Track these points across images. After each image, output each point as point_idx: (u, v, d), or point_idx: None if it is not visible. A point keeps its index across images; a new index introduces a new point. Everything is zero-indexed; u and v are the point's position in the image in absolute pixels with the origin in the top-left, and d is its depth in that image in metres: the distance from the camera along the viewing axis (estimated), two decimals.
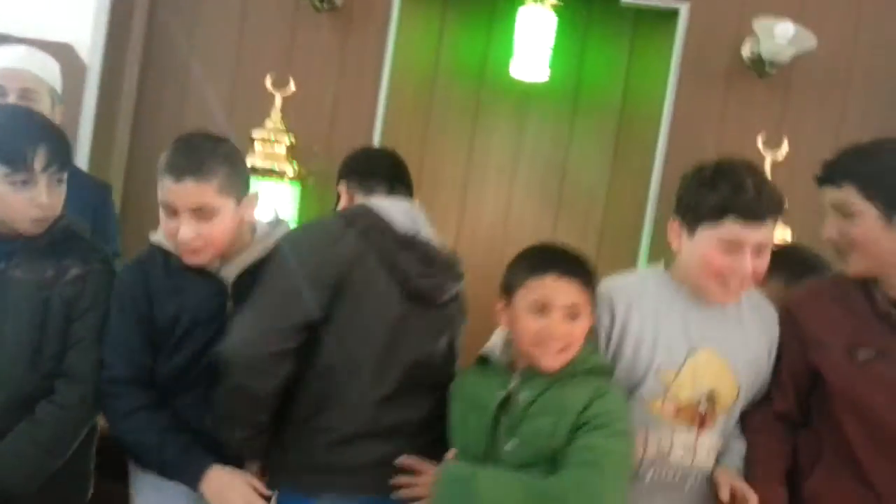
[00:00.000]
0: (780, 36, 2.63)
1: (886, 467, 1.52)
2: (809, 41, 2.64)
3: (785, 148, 2.63)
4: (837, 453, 1.56)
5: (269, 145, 2.72)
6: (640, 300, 1.60)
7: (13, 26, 2.92)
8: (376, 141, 2.93)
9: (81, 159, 2.88)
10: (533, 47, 2.95)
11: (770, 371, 1.63)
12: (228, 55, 3.02)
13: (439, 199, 3.16)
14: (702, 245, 1.53)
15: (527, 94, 3.16)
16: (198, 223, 1.56)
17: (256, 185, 2.60)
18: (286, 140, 2.73)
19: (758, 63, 2.76)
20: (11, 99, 2.16)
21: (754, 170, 1.59)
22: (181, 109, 3.01)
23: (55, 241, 1.64)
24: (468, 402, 1.56)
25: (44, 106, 2.21)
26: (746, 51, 2.80)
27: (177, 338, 1.63)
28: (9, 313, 1.59)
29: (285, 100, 2.79)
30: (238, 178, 1.63)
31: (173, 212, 1.57)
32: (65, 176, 1.64)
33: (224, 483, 1.56)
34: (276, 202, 2.65)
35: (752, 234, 1.50)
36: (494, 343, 1.63)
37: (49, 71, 2.28)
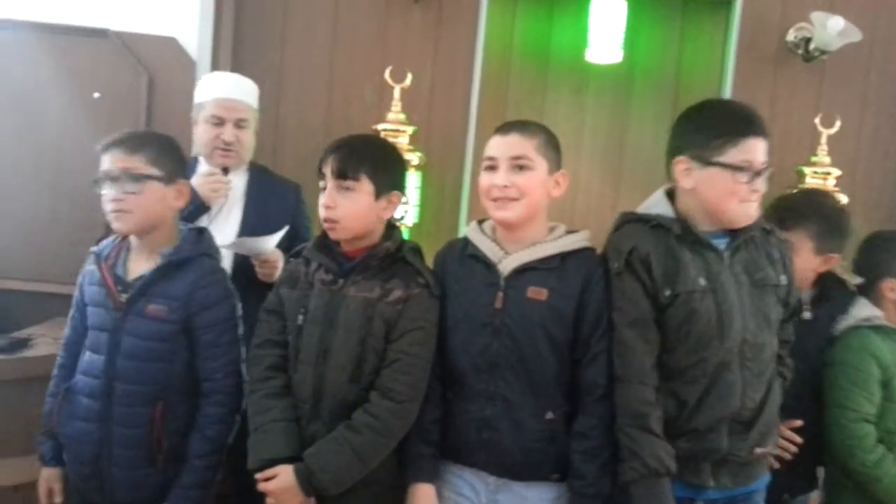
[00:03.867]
0: (831, 28, 3.07)
1: None
2: (855, 34, 3.09)
3: (838, 124, 3.10)
4: None
5: (394, 136, 2.88)
6: None
7: (117, 21, 2.88)
8: (472, 125, 3.16)
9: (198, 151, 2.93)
10: (607, 32, 3.23)
11: None
12: (323, 48, 3.12)
13: None
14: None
15: (588, 72, 3.45)
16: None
17: None
18: (409, 130, 2.90)
19: (804, 49, 3.21)
20: (228, 129, 2.30)
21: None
22: (277, 102, 3.09)
23: (386, 263, 1.78)
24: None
25: (251, 130, 2.36)
26: (791, 36, 3.24)
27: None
28: (339, 327, 1.74)
29: (385, 88, 2.94)
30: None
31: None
32: (350, 184, 1.74)
33: None
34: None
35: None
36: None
37: (255, 97, 2.43)
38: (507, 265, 1.75)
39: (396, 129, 2.88)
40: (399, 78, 2.91)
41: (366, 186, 1.76)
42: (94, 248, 1.93)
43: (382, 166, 1.78)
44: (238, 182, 2.39)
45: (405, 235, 2.85)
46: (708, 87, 3.40)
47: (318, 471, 1.66)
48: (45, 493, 1.92)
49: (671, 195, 1.81)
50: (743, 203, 1.72)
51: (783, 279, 1.79)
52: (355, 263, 1.78)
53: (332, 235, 1.79)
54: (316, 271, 1.80)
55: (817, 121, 3.11)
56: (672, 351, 1.71)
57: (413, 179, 2.91)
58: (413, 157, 2.89)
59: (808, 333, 1.99)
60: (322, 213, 1.76)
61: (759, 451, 1.75)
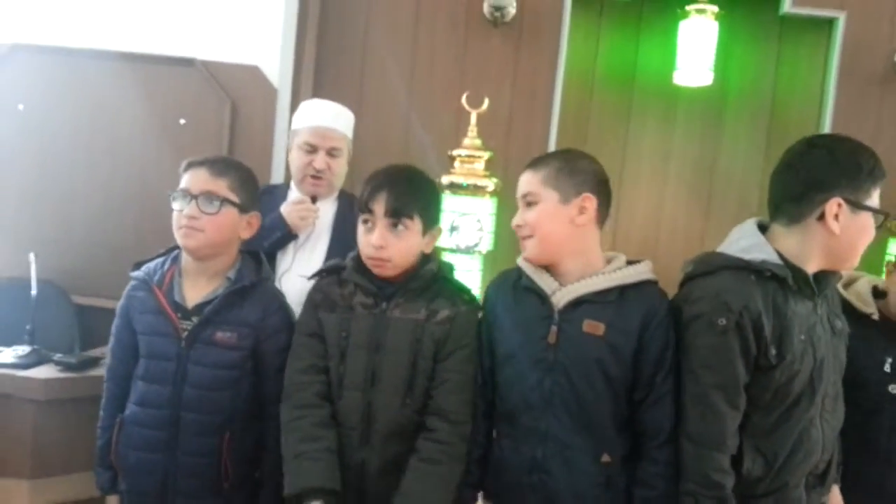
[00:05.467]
0: None
1: None
2: None
3: None
4: None
5: (469, 161, 2.83)
6: None
7: (203, 49, 2.97)
8: (552, 148, 3.08)
9: (277, 178, 2.97)
10: (697, 54, 3.10)
11: None
12: (402, 75, 3.12)
13: None
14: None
15: (676, 96, 3.32)
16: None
17: (458, 201, 2.76)
18: (484, 155, 2.84)
19: None
20: (320, 156, 2.31)
21: None
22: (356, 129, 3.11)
23: (427, 284, 1.77)
24: None
25: (343, 159, 2.36)
26: None
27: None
28: (388, 350, 1.72)
29: (463, 114, 2.90)
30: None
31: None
32: (404, 223, 1.73)
33: None
34: (480, 217, 2.79)
35: None
36: None
37: (349, 126, 2.42)
38: (561, 297, 1.67)
39: (472, 154, 2.83)
40: (476, 103, 2.86)
41: (417, 225, 1.74)
42: (138, 274, 1.91)
43: (431, 203, 1.79)
44: (327, 211, 2.37)
45: (480, 261, 2.86)
46: (807, 113, 3.21)
47: None
48: None
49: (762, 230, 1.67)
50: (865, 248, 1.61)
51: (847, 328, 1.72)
52: (398, 287, 1.76)
53: (380, 273, 1.76)
54: (353, 294, 1.77)
55: None
56: (766, 410, 1.58)
57: (488, 206, 2.84)
58: (489, 184, 2.83)
59: None
60: (369, 251, 1.74)
61: None
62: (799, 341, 1.56)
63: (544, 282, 1.71)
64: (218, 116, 2.97)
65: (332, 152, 2.33)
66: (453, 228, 2.77)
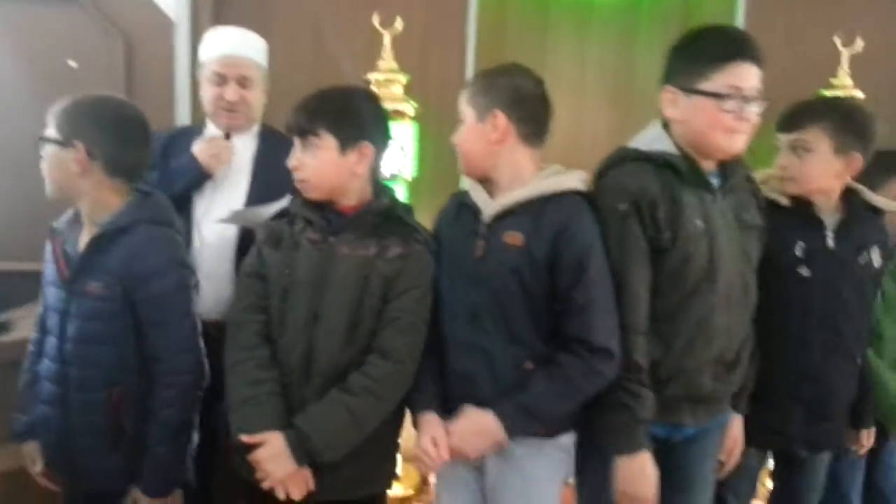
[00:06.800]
0: None
1: None
2: None
3: (860, 44, 2.89)
4: None
5: (386, 85, 2.72)
6: None
7: None
8: (469, 71, 2.99)
9: (181, 118, 2.80)
10: None
11: None
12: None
13: None
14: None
15: (591, 6, 3.25)
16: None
17: None
18: (402, 79, 2.74)
19: None
20: (231, 87, 2.15)
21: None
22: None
23: (379, 220, 1.69)
24: None
25: (258, 90, 2.20)
26: None
27: None
28: (332, 287, 1.63)
29: (375, 35, 2.76)
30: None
31: None
32: (311, 140, 1.65)
33: None
34: (401, 143, 2.71)
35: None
36: None
37: (261, 53, 2.25)
38: (489, 211, 1.65)
39: (388, 78, 2.72)
40: (389, 24, 2.74)
41: (328, 142, 1.64)
42: (55, 223, 1.80)
43: (342, 117, 1.66)
44: (245, 147, 2.22)
45: (404, 189, 2.78)
46: (720, 13, 3.19)
47: (311, 435, 1.57)
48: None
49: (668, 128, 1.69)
50: (729, 134, 1.61)
51: (763, 222, 1.76)
52: (347, 221, 1.68)
53: (306, 195, 1.69)
54: (303, 231, 1.69)
55: (836, 40, 2.89)
56: (663, 295, 1.62)
57: (409, 131, 2.76)
58: (408, 108, 2.74)
59: (830, 265, 1.87)
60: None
61: None
62: (694, 227, 1.60)
63: (479, 197, 1.68)
64: (110, 55, 2.76)
65: (243, 82, 2.18)
66: None
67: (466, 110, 1.68)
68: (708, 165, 1.68)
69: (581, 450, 1.72)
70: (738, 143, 1.62)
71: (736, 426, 1.85)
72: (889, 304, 2.11)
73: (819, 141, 1.84)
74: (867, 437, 2.10)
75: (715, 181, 1.68)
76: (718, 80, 1.58)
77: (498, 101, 1.64)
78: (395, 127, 2.69)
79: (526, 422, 1.59)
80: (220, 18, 2.88)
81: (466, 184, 1.76)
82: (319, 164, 1.65)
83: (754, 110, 1.59)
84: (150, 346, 1.69)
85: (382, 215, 1.69)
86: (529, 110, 1.66)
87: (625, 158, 1.67)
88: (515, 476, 1.65)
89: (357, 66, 2.80)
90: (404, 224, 1.70)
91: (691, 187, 1.63)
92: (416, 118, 2.77)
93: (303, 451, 1.57)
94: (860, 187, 1.94)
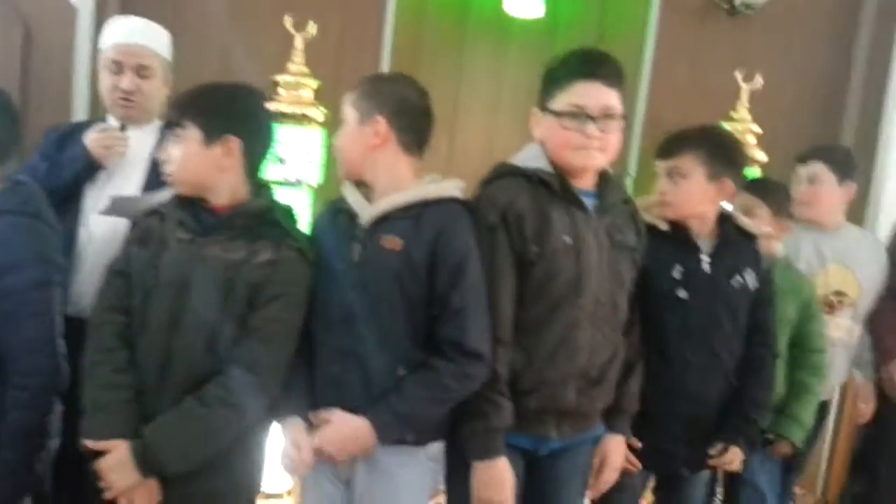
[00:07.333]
0: None
1: None
2: None
3: (759, 81, 3.01)
4: None
5: (295, 89, 2.69)
6: None
7: None
8: None
9: (80, 111, 2.71)
10: None
11: None
12: None
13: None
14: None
15: (509, 26, 3.30)
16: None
17: (284, 131, 2.62)
18: (312, 83, 2.71)
19: (728, 3, 3.10)
20: (128, 76, 2.08)
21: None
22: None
23: (253, 222, 1.63)
24: None
25: (157, 80, 2.13)
26: None
27: None
28: (193, 291, 1.57)
29: (288, 38, 2.72)
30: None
31: None
32: (177, 132, 1.62)
33: None
34: (306, 148, 2.67)
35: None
36: None
37: (162, 44, 2.19)
38: (367, 216, 1.64)
39: (297, 81, 2.68)
40: (302, 27, 2.71)
41: (192, 133, 1.61)
42: None
43: (209, 109, 1.62)
44: (143, 141, 2.14)
45: (309, 195, 2.74)
46: (632, 43, 3.29)
47: (157, 447, 1.51)
48: None
49: None
50: (577, 151, 1.66)
51: (639, 246, 1.78)
52: (218, 221, 1.63)
53: (175, 190, 1.65)
54: (174, 230, 1.63)
55: (738, 76, 3.01)
56: (529, 307, 1.66)
57: (316, 137, 2.72)
58: (317, 113, 2.71)
59: (705, 288, 1.92)
60: None
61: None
62: (563, 243, 1.64)
63: (356, 201, 1.67)
64: (7, 42, 2.64)
65: (140, 71, 2.12)
66: (279, 161, 2.64)
67: (349, 112, 1.69)
68: (584, 184, 1.71)
69: (449, 458, 1.72)
70: (589, 160, 1.67)
71: (610, 445, 1.85)
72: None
73: (693, 168, 1.90)
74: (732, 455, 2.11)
75: (590, 200, 1.71)
76: (562, 100, 1.65)
77: (382, 107, 1.64)
78: (302, 132, 2.69)
79: (398, 426, 1.58)
80: (126, 8, 2.80)
81: (343, 187, 1.74)
82: (183, 157, 1.62)
83: (599, 128, 1.64)
84: (1, 343, 1.60)
85: (256, 217, 1.64)
86: (411, 120, 1.67)
87: (502, 174, 1.72)
88: (385, 485, 1.64)
89: (262, 67, 2.76)
90: (279, 228, 1.65)
91: (563, 204, 1.67)
92: (324, 124, 2.74)
93: (148, 463, 1.51)
94: (733, 213, 2.01)
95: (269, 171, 2.63)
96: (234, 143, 1.62)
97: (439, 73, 3.28)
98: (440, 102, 3.26)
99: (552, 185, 1.66)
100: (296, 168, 2.65)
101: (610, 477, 1.85)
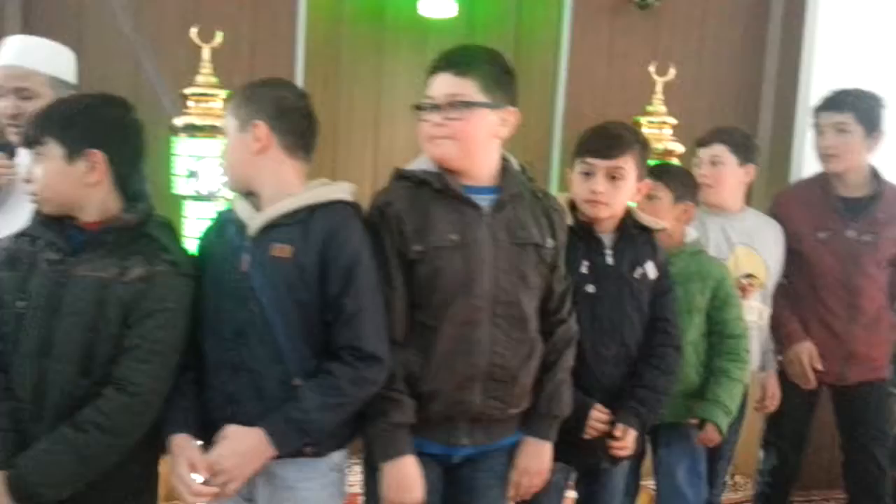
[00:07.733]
0: None
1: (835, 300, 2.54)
2: None
3: (673, 73, 3.05)
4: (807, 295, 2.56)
5: (204, 100, 2.65)
6: None
7: None
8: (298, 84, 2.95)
9: None
10: None
11: None
12: (127, 6, 2.84)
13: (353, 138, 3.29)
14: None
15: (426, 28, 3.30)
16: None
17: (195, 144, 2.58)
18: (221, 94, 2.67)
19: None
20: (9, 99, 2.03)
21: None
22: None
23: (124, 238, 1.58)
24: None
25: (44, 100, 2.08)
26: None
27: None
28: (65, 312, 1.52)
29: (198, 49, 2.68)
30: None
31: None
32: (38, 150, 1.57)
33: None
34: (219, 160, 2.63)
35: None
36: None
37: (48, 62, 2.13)
38: (254, 224, 1.60)
39: (206, 92, 2.64)
40: (209, 38, 2.67)
41: (53, 150, 1.56)
42: None
43: (68, 124, 1.57)
44: None
45: (225, 206, 2.68)
46: (547, 40, 3.31)
47: (31, 476, 1.46)
48: None
49: None
50: (429, 141, 1.68)
51: (549, 242, 1.73)
52: (86, 239, 1.58)
53: (41, 210, 1.60)
54: (43, 251, 1.58)
55: (652, 69, 3.05)
56: (420, 308, 1.65)
57: None
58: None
59: (611, 281, 1.94)
60: None
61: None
62: (449, 241, 1.63)
63: (243, 211, 1.64)
64: None
65: (21, 93, 2.07)
66: (191, 174, 2.60)
67: (229, 122, 1.65)
68: (478, 181, 1.69)
69: (366, 466, 1.71)
70: (436, 149, 1.66)
71: (525, 450, 1.80)
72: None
73: (631, 168, 1.94)
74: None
75: (487, 196, 1.69)
76: (423, 95, 1.69)
77: (260, 111, 1.61)
78: (214, 144, 2.64)
79: (296, 436, 1.54)
80: (27, 26, 2.74)
81: (231, 195, 1.72)
82: (46, 174, 1.56)
83: (444, 116, 1.63)
84: None
85: (127, 232, 1.59)
86: (291, 122, 1.64)
87: (393, 178, 1.73)
88: (288, 501, 1.61)
89: (172, 79, 2.72)
90: (154, 242, 1.60)
91: (448, 202, 1.66)
92: None
93: (23, 492, 1.46)
94: (632, 208, 2.03)
95: (181, 185, 2.61)
96: (98, 157, 1.57)
97: (359, 78, 3.27)
98: (361, 107, 3.34)
99: (434, 185, 1.65)
100: (208, 181, 2.61)
101: (531, 482, 1.81)
